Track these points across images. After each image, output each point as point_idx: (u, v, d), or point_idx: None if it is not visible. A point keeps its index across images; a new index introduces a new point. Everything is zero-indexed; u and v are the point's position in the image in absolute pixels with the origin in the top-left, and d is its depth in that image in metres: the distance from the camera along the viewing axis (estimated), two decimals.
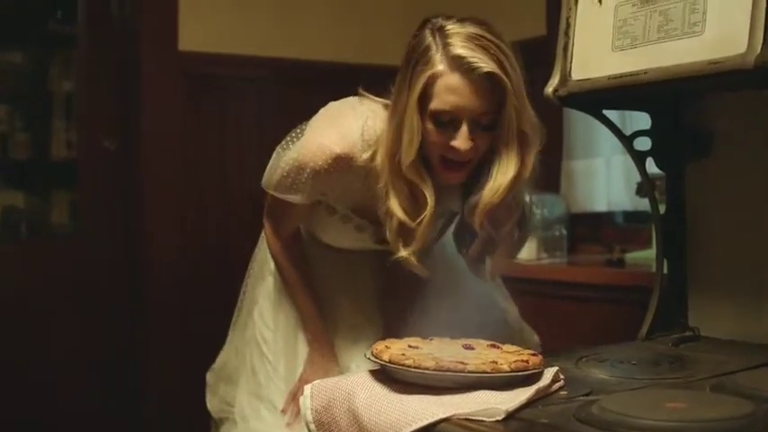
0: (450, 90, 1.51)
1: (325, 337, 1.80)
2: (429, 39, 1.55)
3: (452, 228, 1.76)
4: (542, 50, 2.83)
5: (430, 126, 1.54)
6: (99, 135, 3.37)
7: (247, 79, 3.48)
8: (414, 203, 1.59)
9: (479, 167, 1.59)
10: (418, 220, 1.59)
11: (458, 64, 1.50)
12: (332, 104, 1.76)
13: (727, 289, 1.64)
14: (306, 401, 1.31)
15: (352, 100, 1.72)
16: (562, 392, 1.25)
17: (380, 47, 3.68)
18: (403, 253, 1.61)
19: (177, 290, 3.32)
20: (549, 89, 1.57)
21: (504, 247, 1.67)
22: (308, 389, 1.32)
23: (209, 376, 2.03)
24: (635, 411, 1.06)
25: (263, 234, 1.95)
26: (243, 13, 3.46)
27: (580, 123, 2.88)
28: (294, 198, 1.69)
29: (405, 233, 1.61)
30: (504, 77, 1.51)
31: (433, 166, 1.59)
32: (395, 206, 1.59)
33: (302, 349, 1.82)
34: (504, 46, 1.54)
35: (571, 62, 1.54)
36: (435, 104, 1.52)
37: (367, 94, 1.71)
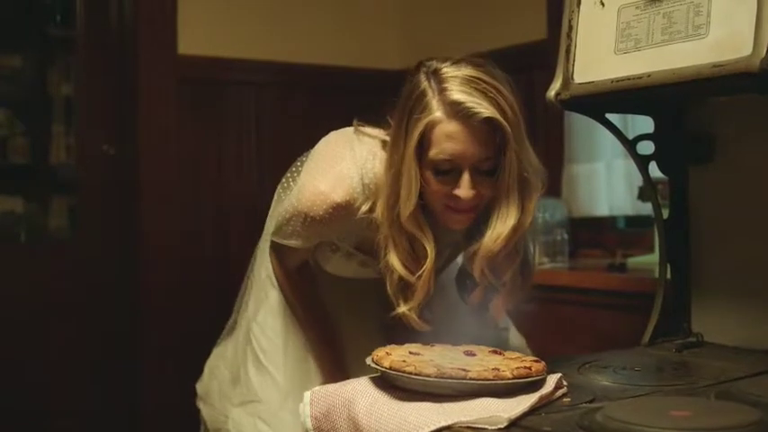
0: (448, 138, 1.47)
1: (336, 366, 1.78)
2: (424, 83, 1.50)
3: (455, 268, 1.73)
4: (543, 54, 2.85)
5: (430, 175, 1.50)
6: (98, 140, 3.37)
7: (246, 83, 3.47)
8: (414, 257, 1.56)
9: (479, 216, 1.56)
10: (418, 274, 1.55)
11: (456, 110, 1.46)
12: (330, 140, 1.70)
13: (731, 294, 1.63)
14: (305, 409, 1.29)
15: (350, 137, 1.66)
16: (565, 399, 1.23)
17: (380, 51, 3.68)
18: (403, 309, 1.57)
19: (175, 295, 3.32)
20: (551, 93, 1.55)
21: (506, 292, 1.62)
22: (307, 395, 1.31)
23: (199, 387, 2.01)
24: (639, 419, 1.04)
25: (257, 249, 1.94)
26: (242, 18, 3.46)
27: (581, 127, 2.87)
28: (295, 243, 1.67)
29: (405, 288, 1.57)
30: (503, 122, 1.47)
31: (437, 213, 1.55)
32: (394, 261, 1.55)
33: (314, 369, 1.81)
34: (502, 87, 1.49)
35: (573, 65, 1.52)
36: (434, 153, 1.48)
37: (364, 128, 1.66)
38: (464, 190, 1.49)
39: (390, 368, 1.23)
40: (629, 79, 1.42)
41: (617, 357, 1.52)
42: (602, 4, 1.49)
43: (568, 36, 1.54)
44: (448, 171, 1.49)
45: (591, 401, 1.21)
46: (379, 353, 1.30)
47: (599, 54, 1.49)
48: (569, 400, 1.23)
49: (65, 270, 3.34)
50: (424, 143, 1.49)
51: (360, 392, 1.25)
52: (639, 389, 1.29)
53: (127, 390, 3.35)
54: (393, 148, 1.54)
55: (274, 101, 3.51)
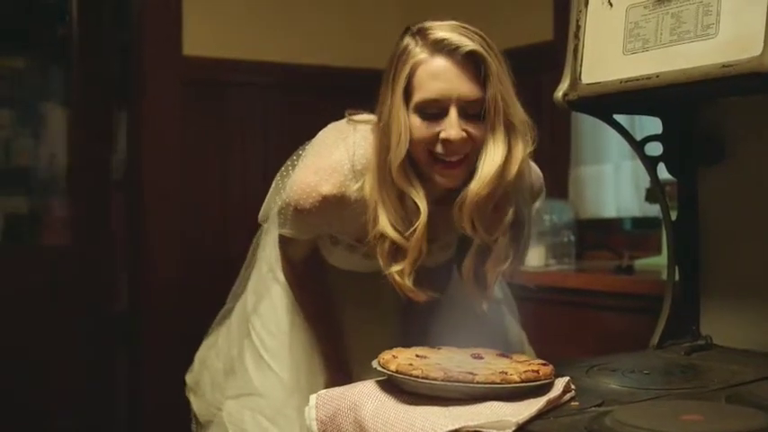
0: (433, 75, 1.46)
1: (339, 365, 1.76)
2: (408, 39, 1.51)
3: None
4: (549, 55, 2.83)
5: (416, 120, 1.47)
6: (101, 141, 3.37)
7: (251, 84, 3.47)
8: (405, 218, 1.52)
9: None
10: (409, 232, 1.51)
11: (439, 47, 1.46)
12: (326, 132, 1.69)
13: (740, 296, 1.61)
14: (311, 412, 1.28)
15: (345, 128, 1.65)
16: (573, 403, 1.22)
17: (384, 52, 3.65)
18: (394, 269, 1.53)
19: (177, 296, 3.31)
20: (559, 93, 1.54)
21: (497, 254, 1.57)
22: (312, 399, 1.30)
23: (189, 378, 2.00)
24: (650, 424, 1.03)
25: (255, 242, 1.93)
26: (246, 19, 3.46)
27: (588, 129, 2.86)
28: (289, 233, 1.66)
29: (397, 252, 1.54)
30: (488, 56, 1.46)
31: (424, 167, 1.51)
32: (384, 224, 1.51)
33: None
34: (487, 38, 1.49)
35: (581, 66, 1.51)
36: (420, 95, 1.46)
37: (357, 116, 1.64)
38: (451, 129, 1.45)
39: (397, 372, 1.22)
40: (637, 80, 1.41)
41: (625, 360, 1.50)
42: (610, 4, 1.48)
43: (576, 36, 1.53)
44: (435, 114, 1.47)
45: (600, 405, 1.20)
46: (386, 356, 1.29)
47: (607, 54, 1.47)
48: (578, 403, 1.21)
49: (67, 271, 3.34)
50: (409, 89, 1.48)
51: (366, 396, 1.24)
52: (649, 392, 1.28)
53: (127, 390, 3.35)
54: (381, 103, 1.52)
55: (279, 102, 3.50)
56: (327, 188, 1.55)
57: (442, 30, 1.49)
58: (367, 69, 3.60)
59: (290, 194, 1.60)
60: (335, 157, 1.58)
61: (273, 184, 1.76)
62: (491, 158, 1.48)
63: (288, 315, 1.83)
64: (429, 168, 1.51)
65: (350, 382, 1.72)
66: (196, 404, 1.96)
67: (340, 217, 1.60)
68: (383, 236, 1.53)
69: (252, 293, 1.90)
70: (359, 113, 1.65)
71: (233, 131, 3.45)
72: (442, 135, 1.46)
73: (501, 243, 1.56)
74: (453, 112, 1.46)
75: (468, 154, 1.49)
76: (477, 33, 1.49)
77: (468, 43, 1.46)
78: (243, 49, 3.42)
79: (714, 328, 1.64)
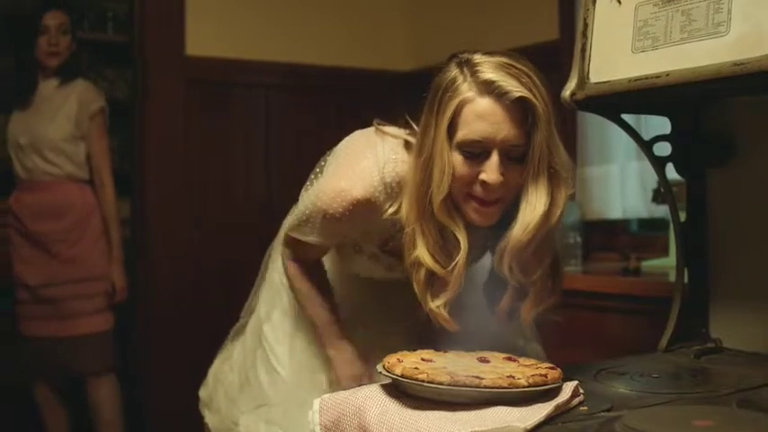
0: (480, 117, 1.43)
1: (343, 342, 1.72)
2: (455, 70, 1.47)
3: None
4: (555, 54, 2.82)
5: (457, 157, 1.45)
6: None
7: (254, 85, 3.46)
8: (444, 249, 1.50)
9: (508, 215, 1.50)
10: (450, 267, 1.50)
11: (488, 89, 1.43)
12: (352, 139, 1.67)
13: (750, 298, 1.59)
14: (314, 417, 1.27)
15: (373, 138, 1.62)
16: (582, 408, 1.20)
17: (389, 53, 3.66)
18: (432, 305, 1.52)
19: (181, 299, 3.31)
20: (567, 93, 1.52)
21: (534, 295, 1.55)
22: (316, 403, 1.28)
23: (203, 392, 1.98)
24: (661, 429, 1.02)
25: (269, 254, 1.91)
26: (250, 19, 3.45)
27: (595, 129, 2.84)
28: (314, 240, 1.63)
29: (434, 283, 1.52)
30: (535, 102, 1.43)
31: (460, 205, 1.50)
32: (423, 254, 1.49)
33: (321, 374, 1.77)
34: (536, 77, 1.45)
35: (589, 64, 1.49)
36: (464, 134, 1.44)
37: (385, 128, 1.62)
38: (491, 173, 1.44)
39: (402, 376, 1.20)
40: (646, 78, 1.39)
41: (634, 364, 1.48)
42: (619, 2, 1.46)
43: (584, 35, 1.51)
44: (476, 155, 1.45)
45: (609, 410, 1.18)
46: (391, 359, 1.27)
47: (615, 53, 1.45)
48: (586, 408, 1.20)
49: None
50: (453, 125, 1.45)
51: (371, 400, 1.23)
52: (659, 397, 1.26)
53: (133, 396, 3.34)
54: (423, 134, 1.50)
55: (283, 102, 3.49)
56: (359, 192, 1.54)
57: (492, 69, 1.44)
58: (368, 70, 3.60)
59: (319, 201, 1.58)
60: (364, 165, 1.57)
61: (300, 198, 1.74)
62: (533, 206, 1.46)
63: (291, 320, 1.81)
64: (464, 204, 1.50)
65: (353, 354, 1.69)
66: (211, 419, 1.94)
67: (369, 224, 1.59)
68: (420, 264, 1.51)
69: (264, 303, 1.89)
70: (387, 125, 1.63)
71: (235, 131, 3.44)
72: (482, 177, 1.45)
73: (538, 285, 1.54)
74: (495, 156, 1.44)
75: (504, 195, 1.48)
76: (526, 74, 1.45)
77: (518, 88, 1.42)
78: (245, 49, 3.41)
79: (723, 331, 1.62)
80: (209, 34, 3.36)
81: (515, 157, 1.45)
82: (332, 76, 3.52)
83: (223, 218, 3.41)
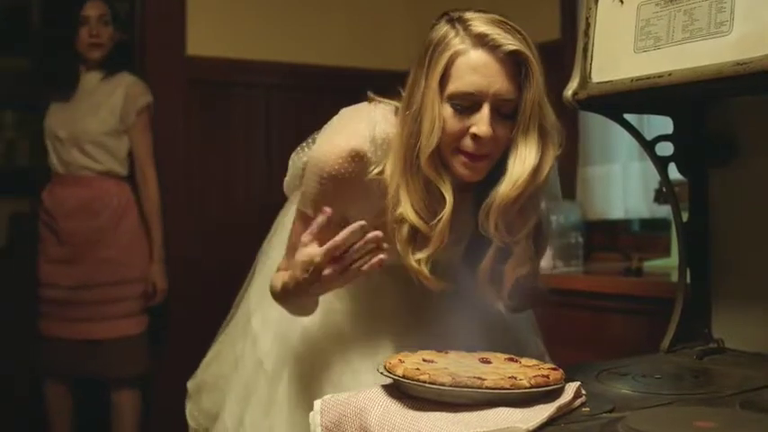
0: (473, 69, 1.42)
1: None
2: (447, 26, 1.47)
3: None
4: (557, 54, 2.81)
5: (448, 110, 1.44)
6: None
7: (255, 84, 3.46)
8: (429, 206, 1.49)
9: (492, 178, 1.49)
10: (434, 222, 1.48)
11: (482, 41, 1.42)
12: (345, 110, 1.67)
13: (753, 299, 1.59)
14: (315, 418, 1.26)
15: (364, 106, 1.63)
16: (584, 409, 1.19)
17: (389, 52, 3.66)
18: (413, 259, 1.51)
19: (181, 298, 3.30)
20: (569, 92, 1.51)
21: (517, 257, 1.54)
22: (317, 404, 1.28)
23: (191, 385, 1.97)
24: (663, 431, 1.01)
25: (261, 250, 1.90)
26: (250, 18, 3.45)
27: (596, 128, 2.84)
28: (312, 205, 1.60)
29: (417, 239, 1.51)
30: (529, 56, 1.43)
31: (447, 159, 1.48)
32: (408, 210, 1.48)
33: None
34: (527, 36, 1.46)
35: (591, 64, 1.49)
36: (456, 86, 1.43)
37: (377, 97, 1.62)
38: (482, 125, 1.43)
39: (404, 376, 1.20)
40: (648, 78, 1.38)
41: (636, 364, 1.48)
42: (621, 2, 1.45)
43: (586, 34, 1.50)
44: (467, 107, 1.44)
45: (611, 411, 1.17)
46: (392, 360, 1.26)
47: (617, 52, 1.45)
48: (588, 409, 1.19)
49: None
50: (444, 78, 1.44)
51: (372, 401, 1.22)
52: (661, 398, 1.25)
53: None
54: (413, 88, 1.49)
55: (283, 101, 3.49)
56: (354, 143, 1.52)
57: (485, 23, 1.44)
58: (369, 69, 3.60)
59: (315, 158, 1.56)
60: (357, 125, 1.56)
61: (290, 163, 1.72)
62: (522, 160, 1.45)
63: (280, 313, 1.79)
64: (452, 158, 1.48)
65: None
66: (191, 412, 1.93)
67: (362, 190, 1.55)
68: (403, 220, 1.50)
69: (254, 296, 1.88)
70: (380, 97, 1.63)
71: (236, 131, 3.44)
72: (472, 130, 1.44)
73: (522, 246, 1.53)
74: (486, 109, 1.43)
75: (493, 151, 1.47)
76: (518, 31, 1.46)
77: (512, 41, 1.43)
78: (246, 49, 3.42)
79: (726, 331, 1.61)
80: (209, 34, 3.36)
81: (505, 114, 1.45)
82: (332, 76, 3.52)
83: (223, 218, 3.41)
